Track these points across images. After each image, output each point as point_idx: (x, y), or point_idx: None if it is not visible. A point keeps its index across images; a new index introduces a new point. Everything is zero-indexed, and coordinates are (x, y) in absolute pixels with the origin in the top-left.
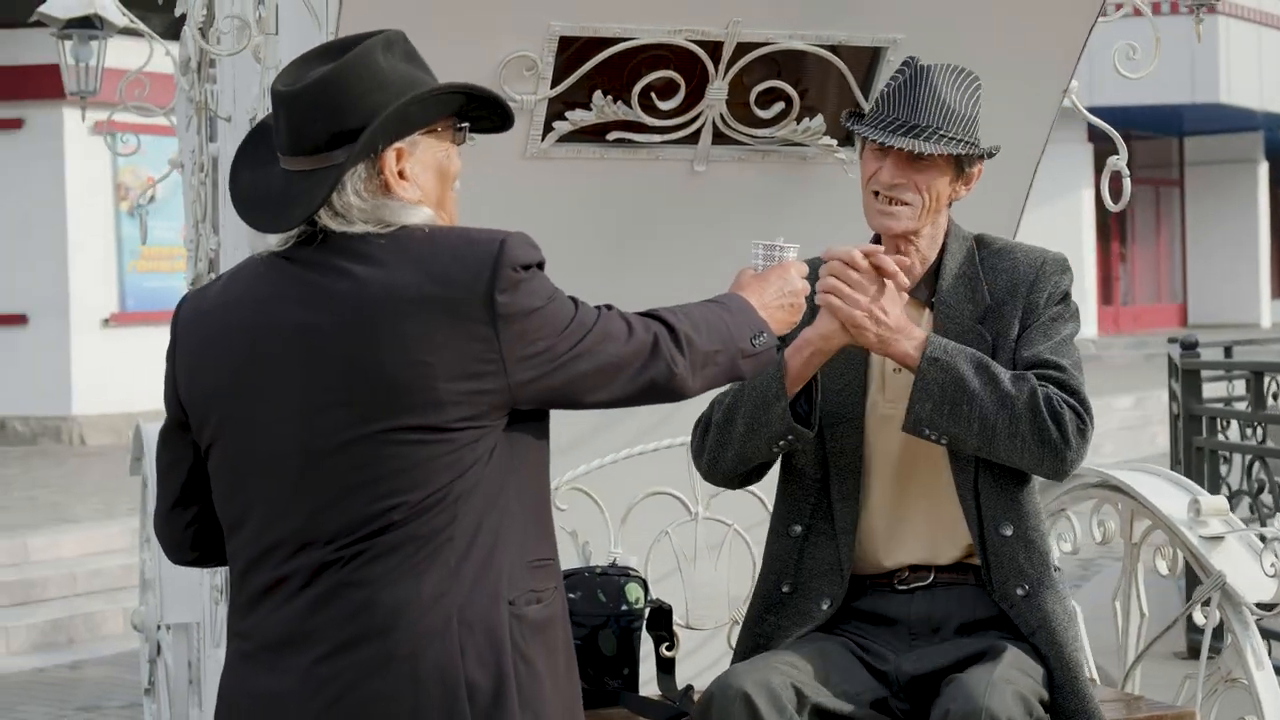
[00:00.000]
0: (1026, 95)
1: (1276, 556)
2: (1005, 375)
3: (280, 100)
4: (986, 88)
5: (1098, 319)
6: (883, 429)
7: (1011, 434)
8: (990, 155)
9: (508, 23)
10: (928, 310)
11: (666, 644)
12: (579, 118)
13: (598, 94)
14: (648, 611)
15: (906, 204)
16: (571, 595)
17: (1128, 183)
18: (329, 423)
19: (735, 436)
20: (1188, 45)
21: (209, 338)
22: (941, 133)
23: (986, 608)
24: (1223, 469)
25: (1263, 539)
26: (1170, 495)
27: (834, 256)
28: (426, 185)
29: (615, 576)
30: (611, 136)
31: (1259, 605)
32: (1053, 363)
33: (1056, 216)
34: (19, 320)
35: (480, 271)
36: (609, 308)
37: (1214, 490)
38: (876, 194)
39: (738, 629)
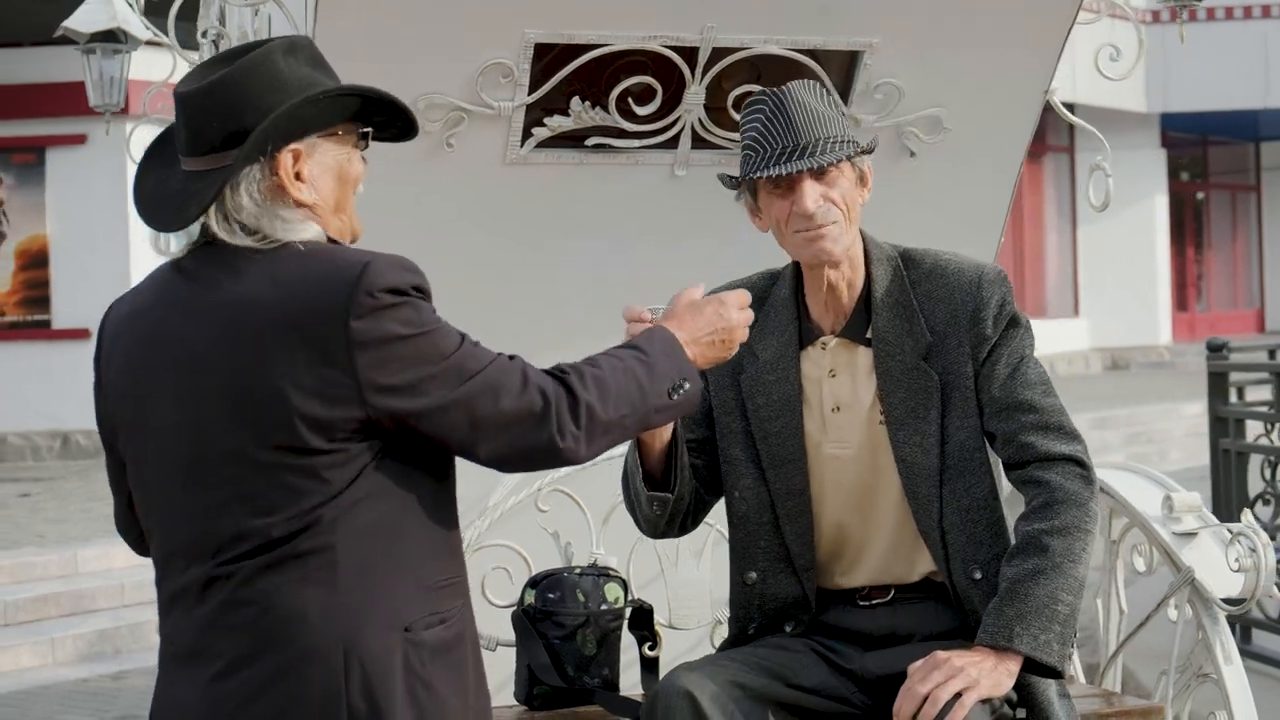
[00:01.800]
0: (1006, 97)
1: (1241, 551)
2: (1075, 561)
3: (179, 101)
4: (966, 89)
5: (1172, 325)
6: (831, 467)
7: (1086, 562)
8: (870, 150)
9: (483, 31)
10: (863, 347)
11: (649, 643)
12: (557, 124)
13: (576, 100)
14: (629, 612)
15: (834, 222)
16: (550, 595)
17: (1110, 182)
18: (206, 437)
19: (630, 496)
20: (1263, 50)
21: (117, 347)
22: (831, 138)
23: (951, 620)
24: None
25: (1231, 533)
26: (1146, 492)
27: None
28: (325, 189)
29: (594, 576)
30: (590, 142)
31: (1228, 600)
32: (1026, 403)
33: (1129, 222)
34: (82, 335)
35: (338, 296)
36: (512, 358)
37: (1240, 493)
38: (799, 230)
39: (721, 628)
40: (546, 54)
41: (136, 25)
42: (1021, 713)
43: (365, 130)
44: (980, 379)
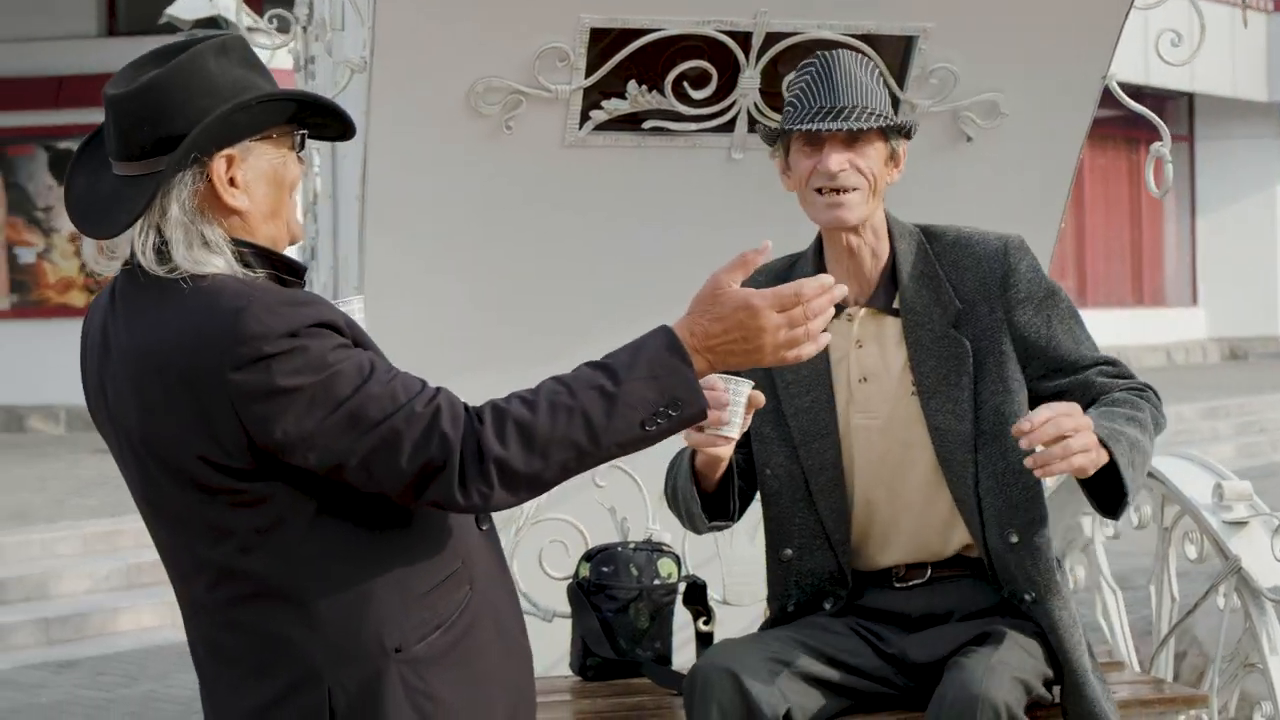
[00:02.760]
0: (1064, 81)
1: None
2: (1143, 412)
3: (109, 103)
4: (1021, 74)
5: None
6: (861, 439)
7: (1150, 455)
8: (911, 132)
9: (540, 15)
10: (890, 317)
11: (704, 619)
12: (614, 107)
13: (632, 83)
14: (683, 587)
15: (854, 189)
16: (605, 569)
17: (1169, 169)
18: (146, 472)
19: (683, 517)
20: None
21: (83, 357)
22: (869, 110)
23: (988, 598)
24: None
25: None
26: (1198, 480)
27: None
28: (259, 194)
29: (649, 552)
30: (648, 125)
31: (1276, 590)
32: (1101, 359)
33: (1249, 211)
34: None
35: (215, 346)
36: (434, 396)
37: None
38: (820, 190)
39: None
40: (603, 38)
41: (235, 12)
42: (1057, 690)
43: (301, 132)
44: (1044, 349)
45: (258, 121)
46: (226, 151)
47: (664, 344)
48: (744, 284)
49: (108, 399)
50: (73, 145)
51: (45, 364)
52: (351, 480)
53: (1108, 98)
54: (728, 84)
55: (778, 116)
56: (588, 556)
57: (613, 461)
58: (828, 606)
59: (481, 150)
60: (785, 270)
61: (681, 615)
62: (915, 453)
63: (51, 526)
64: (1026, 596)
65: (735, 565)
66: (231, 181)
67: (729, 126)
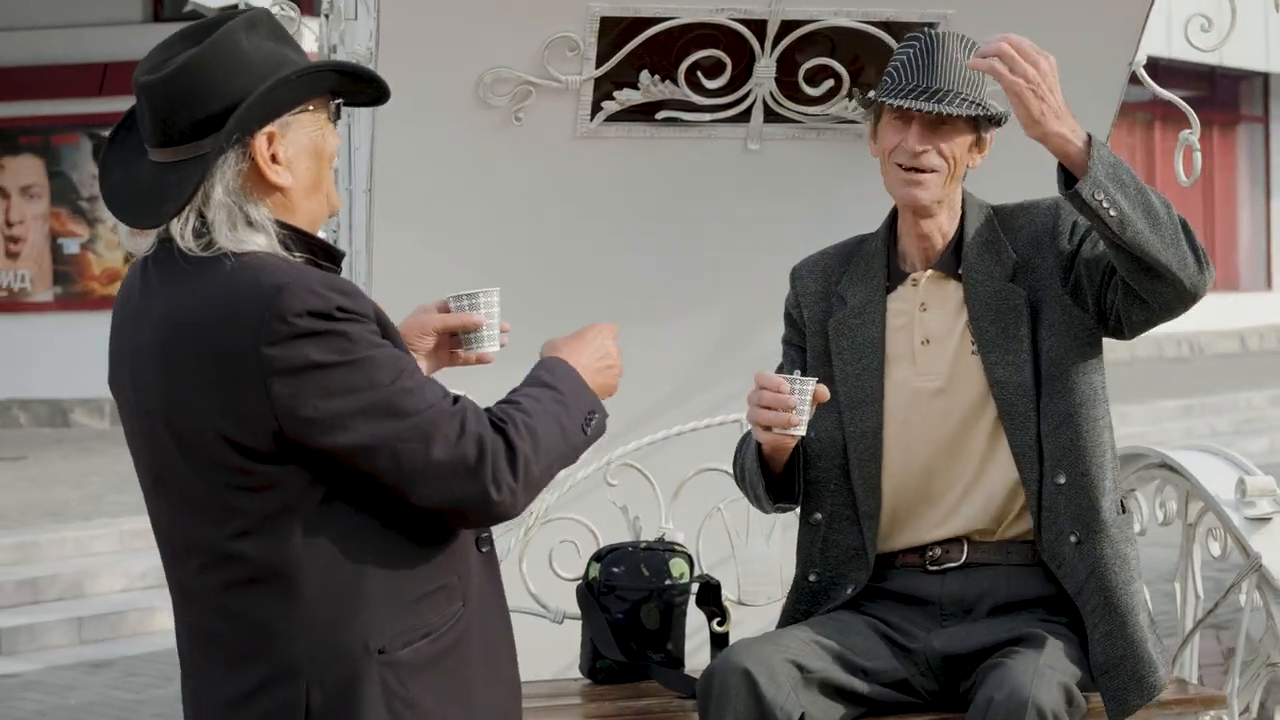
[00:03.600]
0: (1089, 70)
1: None
2: (1157, 205)
3: (141, 90)
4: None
5: None
6: (920, 401)
7: (1170, 224)
8: (1002, 120)
9: (548, 4)
10: (954, 281)
11: (718, 619)
12: (626, 97)
13: (645, 73)
14: (696, 587)
15: (933, 171)
16: (614, 569)
17: (1198, 156)
18: (157, 449)
19: (750, 497)
20: None
21: (113, 327)
22: (962, 95)
23: (1021, 588)
24: None
25: None
26: (1221, 475)
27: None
28: (300, 168)
29: (660, 551)
30: (661, 116)
31: None
32: None
33: None
34: None
35: (250, 320)
36: (457, 400)
37: None
38: (900, 165)
39: None
40: (614, 27)
41: None
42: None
43: (336, 102)
44: (1075, 271)
45: (297, 96)
46: (268, 129)
47: (568, 367)
48: (812, 263)
49: (132, 369)
50: None
51: (90, 357)
52: (376, 469)
53: (1184, 78)
54: (743, 73)
55: (794, 106)
56: (598, 556)
57: (626, 460)
58: (850, 591)
59: (491, 142)
60: (855, 246)
61: (696, 616)
62: (976, 411)
63: (87, 524)
64: (1072, 538)
65: (751, 565)
66: (274, 158)
67: (745, 116)
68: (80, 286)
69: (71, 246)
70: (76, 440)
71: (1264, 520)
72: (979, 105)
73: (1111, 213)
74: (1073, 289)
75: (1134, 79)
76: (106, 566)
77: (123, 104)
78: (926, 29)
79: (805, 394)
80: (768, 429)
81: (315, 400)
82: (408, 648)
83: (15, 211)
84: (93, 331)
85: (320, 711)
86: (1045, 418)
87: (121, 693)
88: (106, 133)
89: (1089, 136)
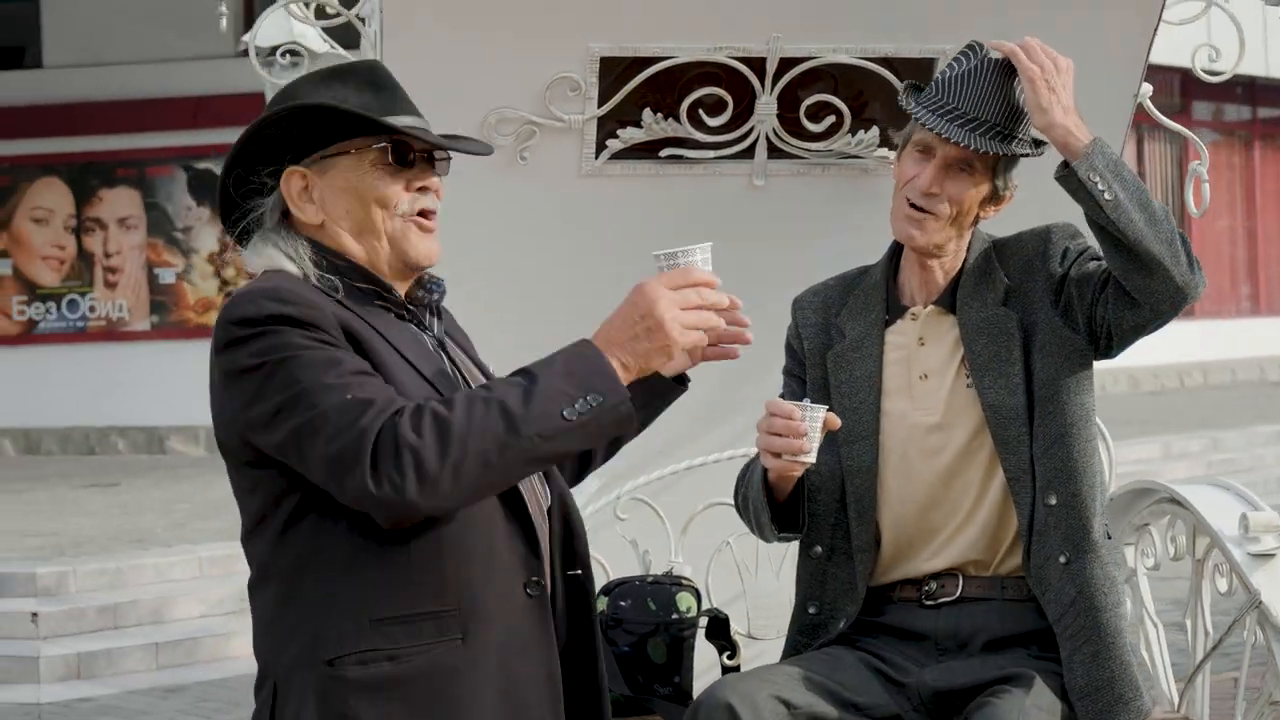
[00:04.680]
0: (1093, 104)
1: None
2: (1155, 206)
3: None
4: None
5: None
6: (918, 435)
7: (1165, 224)
8: (1037, 151)
9: (549, 46)
10: (951, 316)
11: (728, 653)
12: (630, 135)
13: (647, 111)
14: (705, 621)
15: (935, 216)
16: (622, 603)
17: (1206, 188)
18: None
19: (753, 526)
20: None
21: None
22: (996, 127)
23: (1015, 624)
24: None
25: None
26: (1227, 510)
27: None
28: (336, 209)
29: (667, 585)
30: (665, 153)
31: None
32: None
33: None
34: None
35: (216, 330)
36: (369, 396)
37: None
38: (908, 200)
39: None
40: (616, 67)
41: (314, 39)
42: None
43: (381, 146)
44: (1065, 293)
45: (318, 137)
46: (298, 169)
47: (577, 346)
48: (813, 293)
49: None
50: (212, 165)
51: (185, 384)
52: (300, 467)
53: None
54: (745, 110)
55: (797, 142)
56: (605, 590)
57: (636, 494)
58: (841, 625)
59: (497, 181)
60: (856, 277)
61: (710, 651)
62: (972, 443)
63: (169, 551)
64: (1061, 559)
65: (760, 599)
66: (305, 197)
67: (749, 153)
68: (176, 316)
69: (167, 276)
70: (170, 467)
71: (1267, 556)
72: (1007, 139)
73: (1106, 195)
74: (1064, 309)
75: (1141, 112)
76: (185, 593)
77: (216, 136)
78: (978, 47)
79: (816, 421)
80: (777, 456)
81: (253, 399)
82: (362, 665)
83: (113, 242)
84: (188, 359)
85: (281, 713)
86: (1038, 440)
87: (192, 718)
88: (201, 165)
89: (1095, 138)
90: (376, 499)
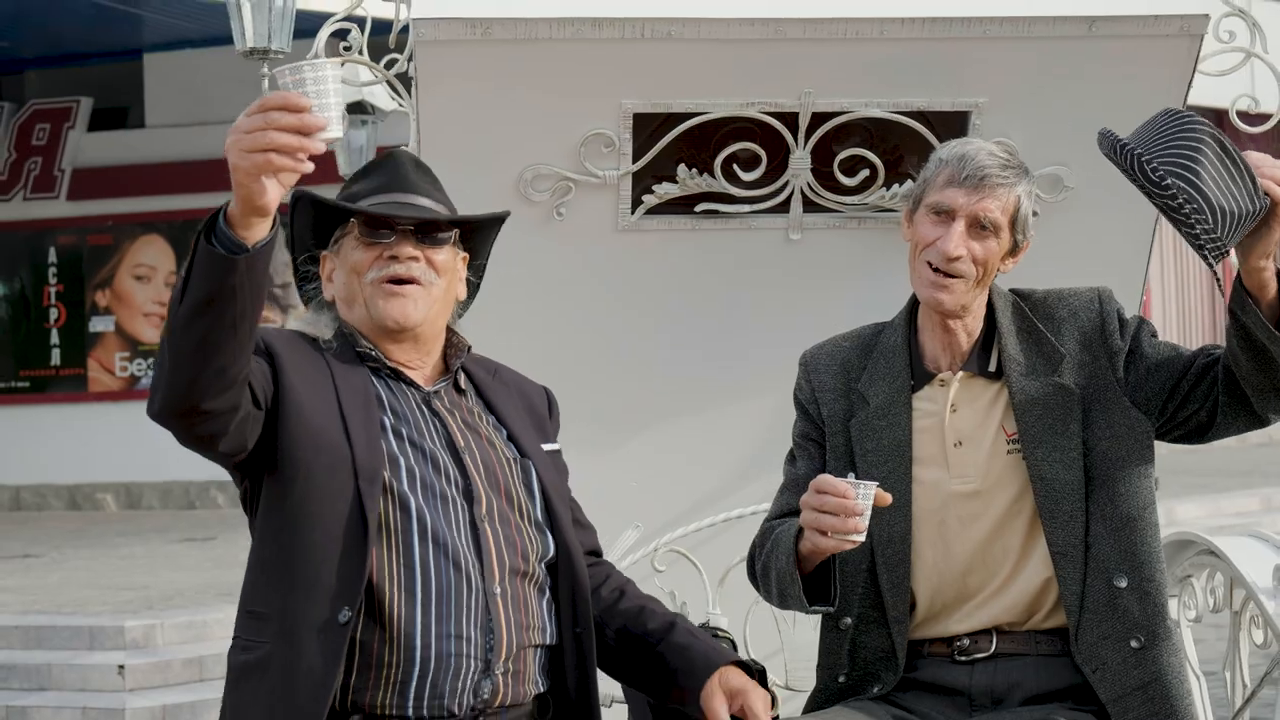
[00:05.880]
0: None
1: None
2: None
3: None
4: (1081, 149)
5: None
6: (955, 503)
7: None
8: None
9: (582, 103)
10: (982, 380)
11: None
12: (665, 190)
13: (681, 167)
14: None
15: (962, 278)
16: None
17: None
18: None
19: (773, 595)
20: None
21: None
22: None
23: (1051, 679)
24: None
25: None
26: (1263, 561)
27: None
28: (339, 283)
29: None
30: (700, 208)
31: None
32: (1202, 350)
33: None
34: None
35: None
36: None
37: None
38: (929, 264)
39: None
40: (650, 123)
41: (383, 96)
42: None
43: (355, 218)
44: (1134, 372)
45: (335, 223)
46: (326, 252)
47: None
48: (828, 355)
49: None
50: None
51: None
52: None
53: None
54: (779, 165)
55: (833, 196)
56: None
57: (673, 546)
58: (876, 690)
59: (535, 237)
60: (871, 338)
61: None
62: (1012, 510)
63: None
64: (1134, 643)
65: (797, 650)
66: (329, 276)
67: (784, 207)
68: None
69: None
70: None
71: None
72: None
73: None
74: (1132, 388)
75: None
76: None
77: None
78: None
79: (868, 500)
80: (822, 533)
81: None
82: (234, 652)
83: None
84: None
85: None
86: (1100, 519)
87: None
88: None
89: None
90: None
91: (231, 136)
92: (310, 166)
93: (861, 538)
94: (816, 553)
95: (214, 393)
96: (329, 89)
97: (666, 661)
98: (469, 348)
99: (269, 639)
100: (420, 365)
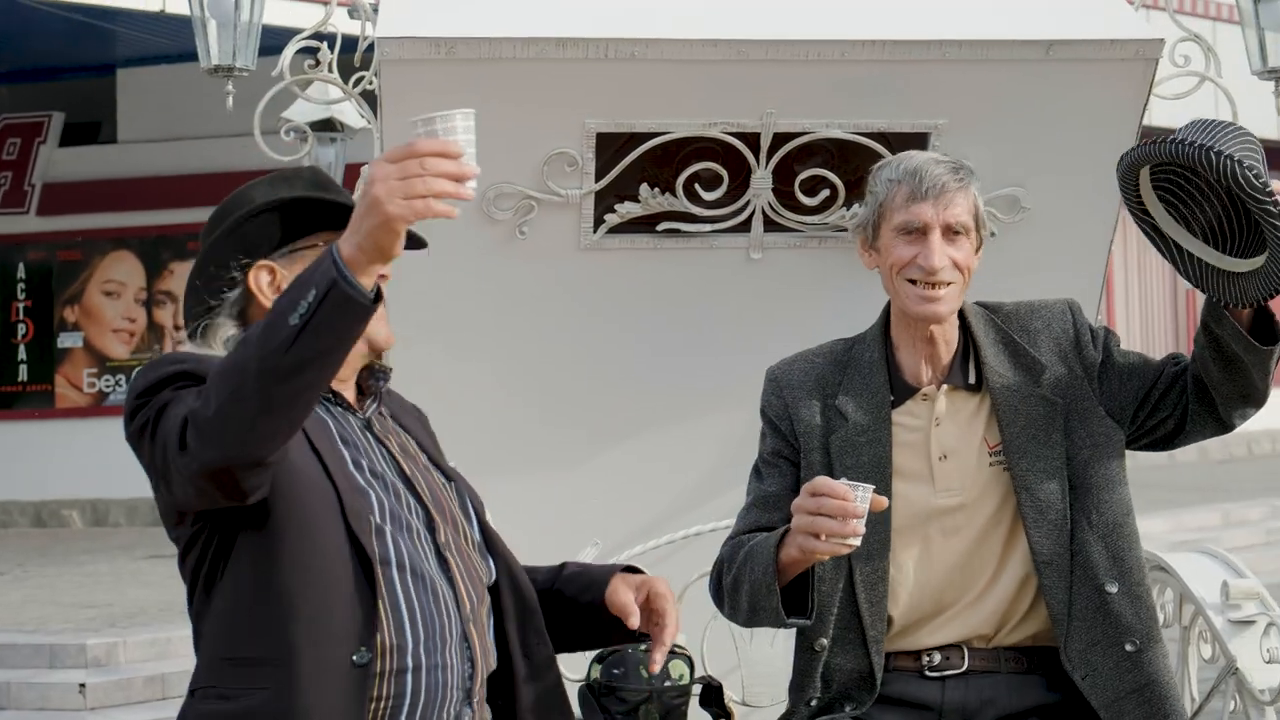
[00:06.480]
0: (1088, 171)
1: (1274, 642)
2: None
3: None
4: (1041, 166)
5: None
6: (940, 517)
7: None
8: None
9: (546, 122)
10: (964, 393)
11: None
12: (627, 210)
13: (644, 186)
14: (698, 689)
15: (951, 284)
16: (615, 670)
17: None
18: None
19: (742, 610)
20: None
21: None
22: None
23: (1022, 697)
24: None
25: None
26: (1211, 577)
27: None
28: None
29: None
30: (661, 227)
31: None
32: (1170, 358)
33: None
34: None
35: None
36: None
37: None
38: (913, 281)
39: None
40: (613, 142)
41: (351, 114)
42: None
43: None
44: (1108, 382)
45: (289, 232)
46: (264, 263)
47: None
48: (801, 371)
49: None
50: None
51: None
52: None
53: None
54: (740, 185)
55: (793, 216)
56: (599, 658)
57: (631, 563)
58: (849, 709)
59: (497, 255)
60: (843, 353)
61: (701, 717)
62: (993, 521)
63: None
64: (1128, 646)
65: (755, 666)
66: (274, 289)
67: (745, 226)
68: None
69: None
70: None
71: (1247, 624)
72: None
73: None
74: (1106, 400)
75: None
76: None
77: None
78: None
79: (866, 502)
80: (816, 537)
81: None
82: (205, 701)
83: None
84: None
85: None
86: (1086, 526)
87: None
88: None
89: None
90: (186, 475)
91: (383, 184)
92: (456, 212)
93: (858, 541)
94: (800, 562)
95: (282, 443)
96: (474, 139)
97: (567, 596)
98: (390, 368)
99: (266, 684)
100: (346, 384)
